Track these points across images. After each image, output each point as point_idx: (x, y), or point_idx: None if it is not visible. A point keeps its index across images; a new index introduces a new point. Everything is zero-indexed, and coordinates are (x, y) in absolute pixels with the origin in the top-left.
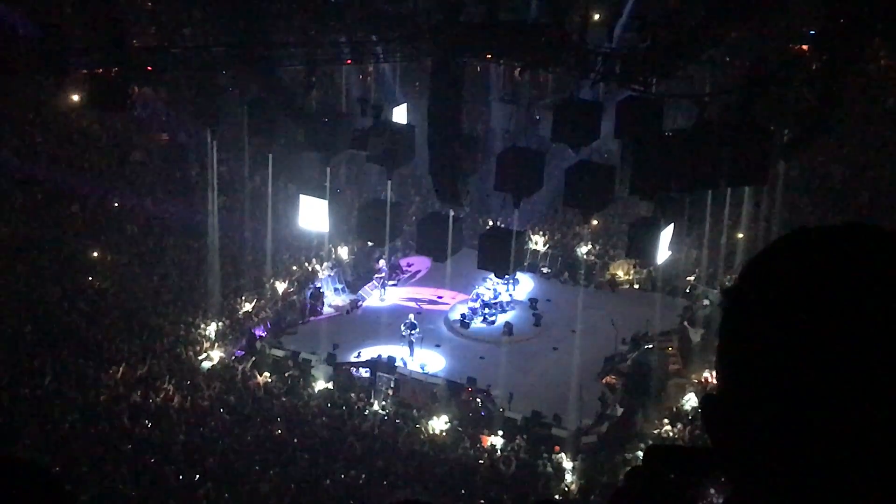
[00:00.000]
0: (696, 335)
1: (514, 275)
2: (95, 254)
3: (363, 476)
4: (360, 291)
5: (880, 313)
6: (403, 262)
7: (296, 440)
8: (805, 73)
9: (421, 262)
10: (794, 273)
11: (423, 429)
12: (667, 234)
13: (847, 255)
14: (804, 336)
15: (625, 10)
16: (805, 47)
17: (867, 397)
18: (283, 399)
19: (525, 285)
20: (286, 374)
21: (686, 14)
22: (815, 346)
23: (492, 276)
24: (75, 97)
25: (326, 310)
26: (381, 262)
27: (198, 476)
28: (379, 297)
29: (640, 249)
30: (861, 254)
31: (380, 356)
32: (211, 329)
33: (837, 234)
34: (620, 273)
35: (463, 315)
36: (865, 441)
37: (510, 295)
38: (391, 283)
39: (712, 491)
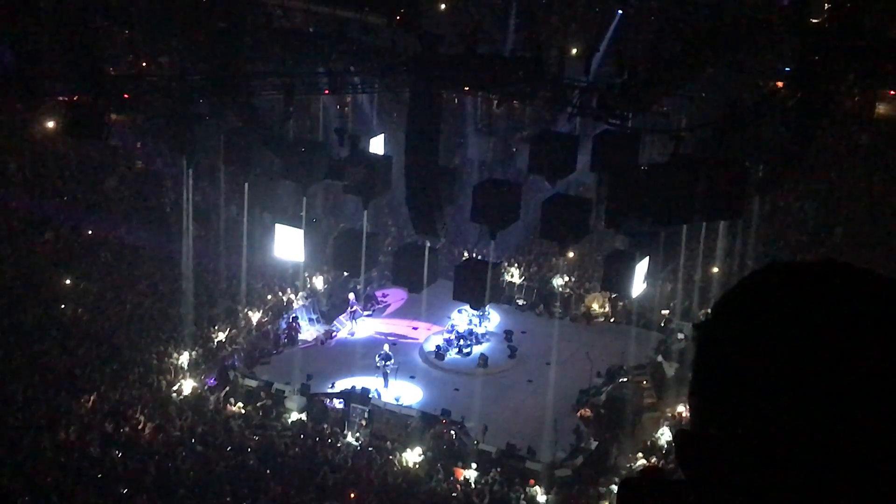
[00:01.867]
0: (670, 369)
1: (486, 309)
2: (68, 281)
3: None
4: (334, 322)
5: (851, 349)
6: (379, 294)
7: (268, 471)
8: (780, 109)
9: (396, 294)
10: (765, 309)
11: (396, 461)
12: (642, 267)
13: (818, 291)
14: (775, 371)
15: (602, 44)
16: (780, 84)
17: (839, 433)
18: (256, 429)
19: (496, 319)
20: (259, 405)
21: (662, 49)
22: (786, 381)
23: (467, 307)
24: (50, 124)
25: (301, 340)
26: (351, 295)
27: None
28: (349, 330)
29: (615, 282)
30: (832, 290)
31: (354, 387)
32: (184, 358)
33: (808, 270)
34: (595, 306)
35: (438, 346)
36: (838, 475)
37: (485, 328)
38: (366, 313)
39: None
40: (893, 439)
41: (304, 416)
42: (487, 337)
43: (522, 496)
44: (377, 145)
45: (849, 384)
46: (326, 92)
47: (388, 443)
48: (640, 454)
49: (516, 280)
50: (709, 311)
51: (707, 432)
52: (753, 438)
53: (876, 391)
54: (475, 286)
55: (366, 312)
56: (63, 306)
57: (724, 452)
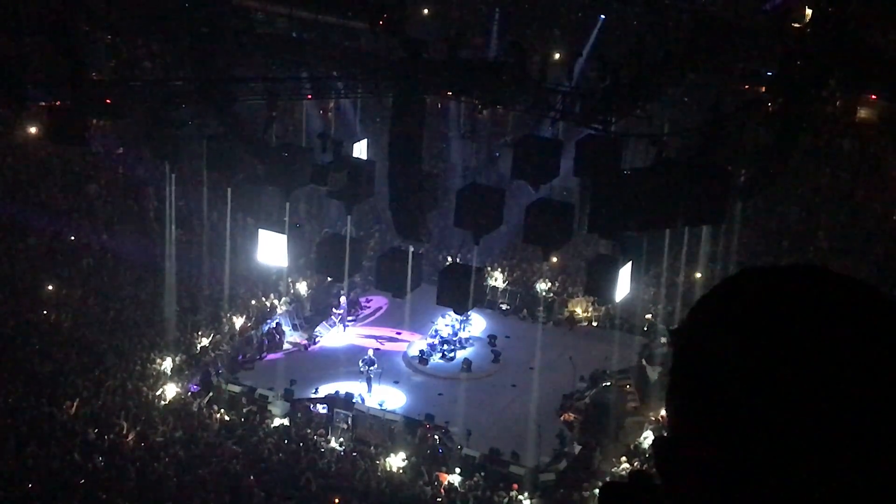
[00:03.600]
0: (653, 373)
1: (468, 314)
2: (50, 287)
3: None
4: (317, 328)
5: (824, 354)
6: (362, 299)
7: (251, 477)
8: (762, 114)
9: (380, 300)
10: (738, 315)
11: (380, 466)
12: (625, 271)
13: (791, 296)
14: (748, 376)
15: (585, 49)
16: (762, 89)
17: (814, 440)
18: (239, 435)
19: (480, 324)
20: (243, 410)
21: (645, 54)
22: (758, 386)
23: (451, 312)
24: (32, 130)
25: (285, 346)
26: (342, 299)
27: None
28: (337, 333)
29: (598, 287)
30: (805, 295)
31: (337, 392)
32: (167, 364)
33: (783, 275)
34: (579, 310)
35: (421, 351)
36: (816, 481)
37: (468, 332)
38: (349, 319)
39: None
40: (867, 443)
41: (287, 422)
42: (471, 341)
43: (506, 501)
44: (360, 150)
45: (822, 389)
46: (309, 97)
47: (372, 448)
48: (623, 458)
49: (500, 285)
50: (684, 317)
51: (684, 440)
52: (728, 444)
53: (850, 396)
54: (459, 291)
55: (349, 318)
56: (45, 312)
57: (701, 458)
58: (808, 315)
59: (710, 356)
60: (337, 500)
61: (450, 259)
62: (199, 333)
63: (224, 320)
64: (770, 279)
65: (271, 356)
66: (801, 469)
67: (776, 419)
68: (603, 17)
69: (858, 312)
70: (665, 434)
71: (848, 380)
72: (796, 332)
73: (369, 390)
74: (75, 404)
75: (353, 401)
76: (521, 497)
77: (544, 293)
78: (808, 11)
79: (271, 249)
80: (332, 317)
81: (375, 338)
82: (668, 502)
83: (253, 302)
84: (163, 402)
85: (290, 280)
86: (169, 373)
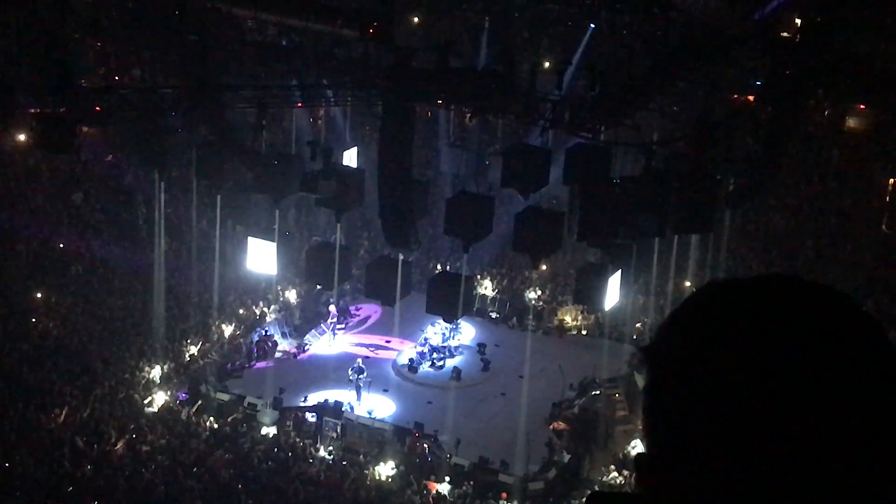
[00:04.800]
0: (643, 382)
1: (458, 322)
2: (39, 295)
3: None
4: (307, 336)
5: (800, 366)
6: (352, 307)
7: (240, 485)
8: (751, 123)
9: (370, 308)
10: (709, 330)
11: (369, 474)
12: (614, 280)
13: (762, 308)
14: (722, 392)
15: (574, 58)
16: (751, 98)
17: (790, 452)
18: (228, 443)
19: (469, 332)
20: (231, 419)
21: (634, 63)
22: (734, 402)
23: (440, 320)
24: (21, 137)
25: (276, 354)
26: (332, 308)
27: None
28: (328, 341)
29: (587, 295)
30: (776, 306)
31: (326, 401)
32: (155, 372)
33: (751, 287)
34: (568, 319)
35: (411, 360)
36: (794, 493)
37: (458, 340)
38: (340, 327)
39: None
40: (841, 454)
41: (276, 430)
42: (460, 350)
43: None
44: (350, 158)
45: (796, 400)
46: (299, 105)
47: (361, 456)
48: (612, 467)
49: (489, 293)
50: (654, 333)
51: (662, 455)
52: (706, 460)
53: (827, 408)
54: (448, 299)
55: (340, 326)
56: (34, 320)
57: (680, 474)
58: (778, 326)
59: (683, 372)
60: None
61: (439, 267)
62: (188, 341)
63: (213, 328)
64: (735, 291)
65: (260, 364)
66: (779, 482)
67: (751, 434)
68: (593, 25)
69: (829, 321)
70: (643, 452)
71: (824, 391)
72: (767, 345)
73: (358, 399)
74: (63, 412)
75: (343, 409)
76: None
77: (534, 302)
78: (797, 21)
79: (261, 257)
80: (322, 325)
81: (365, 346)
82: None
83: (242, 310)
84: (151, 411)
85: (279, 288)
86: (158, 381)
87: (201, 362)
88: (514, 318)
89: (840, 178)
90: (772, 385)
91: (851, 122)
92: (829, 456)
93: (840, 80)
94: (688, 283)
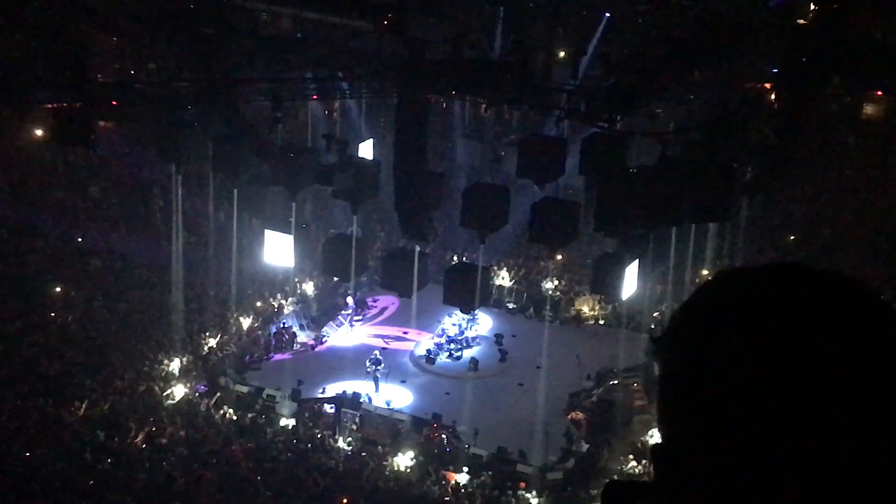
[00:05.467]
0: None
1: (475, 313)
2: (58, 289)
3: None
4: (324, 328)
5: (813, 354)
6: (369, 299)
7: (259, 476)
8: (767, 111)
9: (387, 299)
10: (721, 319)
11: (387, 465)
12: (631, 269)
13: (774, 296)
14: (735, 381)
15: (589, 48)
16: (767, 85)
17: (805, 440)
18: (247, 435)
19: (486, 323)
20: (250, 411)
21: (649, 53)
22: (748, 391)
23: (457, 311)
24: (38, 132)
25: (294, 346)
26: (349, 299)
27: None
28: (345, 333)
29: (604, 285)
30: (788, 294)
31: (345, 392)
32: (174, 365)
33: (762, 275)
34: (586, 309)
35: (428, 350)
36: (809, 481)
37: (475, 331)
38: (357, 319)
39: None
40: (856, 442)
41: (294, 421)
42: (478, 341)
43: (514, 499)
44: (366, 150)
45: (812, 389)
46: (314, 98)
47: (380, 447)
48: (630, 456)
49: (506, 283)
50: (666, 323)
51: (678, 445)
52: (720, 449)
53: (841, 395)
54: (465, 290)
55: (357, 317)
56: (53, 314)
57: (695, 464)
58: (790, 315)
59: (695, 363)
60: (345, 500)
61: (455, 258)
62: (207, 334)
63: (231, 321)
64: (750, 280)
65: (278, 356)
66: (794, 471)
67: (764, 423)
68: (607, 14)
69: (842, 309)
70: (660, 443)
71: (837, 378)
72: (780, 334)
73: (376, 390)
74: (83, 406)
75: (361, 400)
76: (528, 496)
77: (551, 292)
78: (812, 8)
79: (278, 250)
80: (339, 316)
81: (382, 337)
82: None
83: (259, 303)
84: (171, 403)
85: (296, 280)
86: (176, 373)
87: (220, 355)
88: (531, 309)
89: (857, 165)
90: (785, 373)
91: (868, 110)
92: (844, 445)
93: (856, 67)
94: (705, 272)
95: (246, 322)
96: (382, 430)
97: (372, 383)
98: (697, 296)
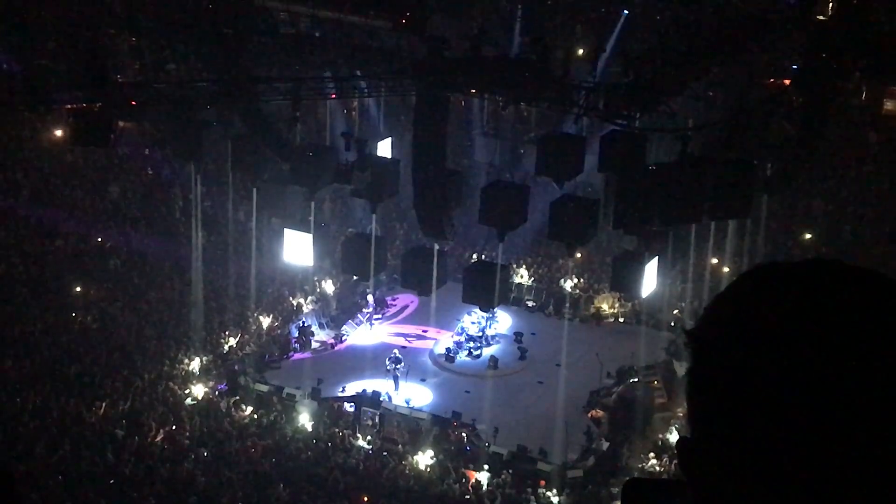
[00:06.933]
0: (681, 368)
1: (494, 311)
2: (78, 289)
3: None
4: (344, 326)
5: (846, 351)
6: (389, 298)
7: (279, 475)
8: (787, 107)
9: (406, 298)
10: (755, 313)
11: (408, 464)
12: (651, 267)
13: (808, 292)
14: (768, 376)
15: (608, 45)
16: (787, 82)
17: (836, 436)
18: (267, 434)
19: (506, 321)
20: (270, 410)
21: (669, 49)
22: (780, 386)
23: (476, 309)
24: (58, 133)
25: (313, 345)
26: (370, 297)
27: None
28: (365, 331)
29: (624, 283)
30: (819, 290)
31: (364, 391)
32: (195, 364)
33: (796, 271)
34: (605, 306)
35: (448, 349)
36: (838, 478)
37: (495, 329)
38: (376, 317)
39: None
40: (889, 441)
41: (314, 421)
42: (497, 339)
43: (534, 498)
44: (384, 149)
45: (844, 386)
46: (333, 96)
47: (400, 446)
48: (651, 454)
49: (525, 281)
50: (699, 317)
51: (705, 439)
52: (749, 444)
53: (866, 395)
54: (484, 288)
55: (377, 316)
56: (73, 314)
57: (723, 459)
58: (824, 310)
59: (728, 356)
60: (365, 499)
61: (475, 256)
62: (227, 333)
63: (251, 320)
64: (782, 275)
65: (298, 355)
66: (823, 467)
67: (797, 419)
68: (626, 11)
69: (877, 306)
70: (687, 435)
71: (873, 378)
72: (815, 331)
73: (396, 388)
74: (104, 405)
75: (380, 399)
76: (549, 494)
77: (570, 290)
78: (832, 3)
79: (297, 249)
80: (359, 315)
81: (402, 336)
82: (693, 500)
83: (279, 302)
84: (191, 402)
85: (316, 279)
86: (197, 373)
87: (240, 354)
88: (551, 307)
89: (878, 160)
90: (818, 371)
91: (889, 105)
92: (876, 444)
93: (876, 62)
94: (725, 270)
95: (266, 321)
96: (402, 428)
97: (392, 382)
98: (732, 289)
